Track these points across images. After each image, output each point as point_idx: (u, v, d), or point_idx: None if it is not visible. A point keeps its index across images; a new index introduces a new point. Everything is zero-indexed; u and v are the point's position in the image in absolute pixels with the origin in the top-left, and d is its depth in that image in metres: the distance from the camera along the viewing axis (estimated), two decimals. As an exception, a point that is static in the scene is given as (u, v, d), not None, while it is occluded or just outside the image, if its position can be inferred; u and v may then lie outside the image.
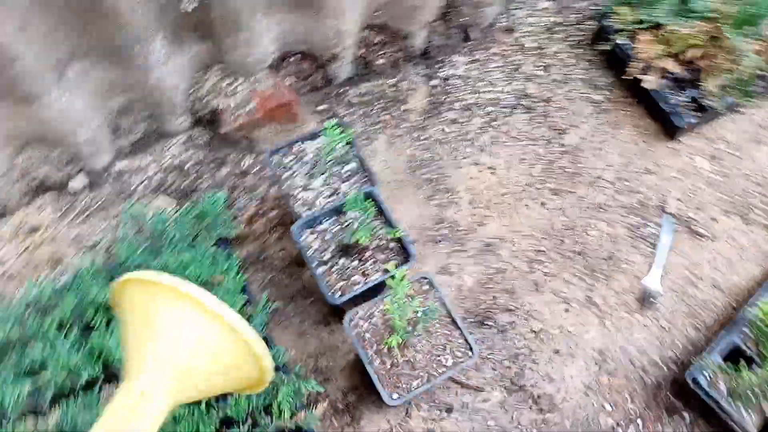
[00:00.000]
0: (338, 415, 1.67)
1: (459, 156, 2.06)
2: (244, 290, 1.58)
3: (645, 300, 1.77)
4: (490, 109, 2.15)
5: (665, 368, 1.71)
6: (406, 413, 1.67)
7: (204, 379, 0.70)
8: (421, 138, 2.09)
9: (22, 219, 1.93)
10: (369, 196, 1.51)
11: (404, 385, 1.38)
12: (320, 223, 1.54)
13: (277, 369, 1.44)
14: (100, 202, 1.99)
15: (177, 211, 1.63)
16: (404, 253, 1.50)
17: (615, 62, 2.17)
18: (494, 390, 1.69)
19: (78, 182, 1.98)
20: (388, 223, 1.50)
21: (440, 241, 1.91)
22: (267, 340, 1.54)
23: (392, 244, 1.52)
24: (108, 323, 1.38)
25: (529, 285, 1.83)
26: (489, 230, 1.92)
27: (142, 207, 1.59)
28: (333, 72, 2.11)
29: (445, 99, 2.16)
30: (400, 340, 1.32)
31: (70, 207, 1.98)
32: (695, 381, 1.51)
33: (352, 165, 1.62)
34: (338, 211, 1.51)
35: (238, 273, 1.58)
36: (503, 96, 2.17)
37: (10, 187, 1.90)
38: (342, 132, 1.52)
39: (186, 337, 0.69)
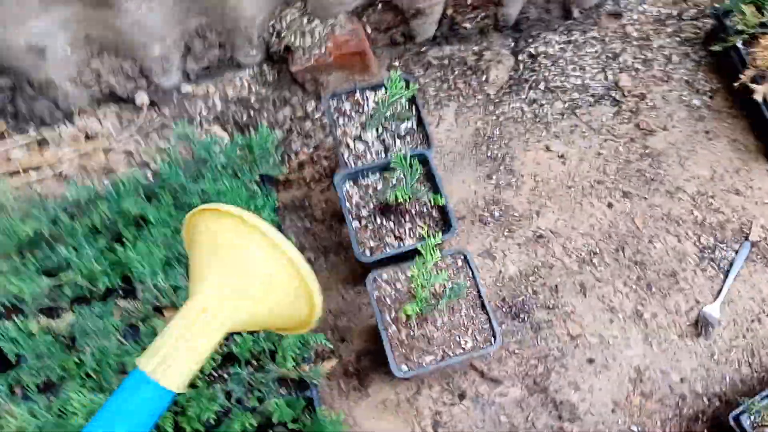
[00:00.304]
0: (347, 377, 1.72)
1: (531, 139, 2.03)
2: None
3: (701, 326, 1.70)
4: (575, 95, 2.10)
5: (707, 402, 1.64)
6: (417, 390, 1.69)
7: (259, 308, 0.77)
8: (494, 113, 2.07)
9: (85, 124, 2.07)
10: (420, 157, 1.52)
11: (416, 359, 1.40)
12: (365, 176, 1.56)
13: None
14: (160, 122, 2.10)
15: (230, 142, 1.70)
16: (445, 224, 1.51)
17: (725, 67, 2.06)
18: (514, 386, 1.69)
19: (143, 98, 2.10)
20: (435, 189, 1.51)
21: (489, 223, 1.90)
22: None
23: (435, 213, 1.53)
24: (136, 239, 1.47)
25: (576, 286, 1.80)
26: (545, 221, 1.89)
27: (193, 130, 1.67)
28: (416, 28, 2.12)
29: (529, 77, 2.13)
30: (419, 311, 1.33)
31: (131, 121, 2.10)
32: (738, 421, 1.45)
33: (411, 124, 1.64)
34: (386, 168, 1.53)
35: (275, 212, 1.63)
36: (592, 84, 2.11)
37: (80, 91, 2.04)
38: (406, 87, 1.53)
39: (248, 265, 0.77)
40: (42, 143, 2.10)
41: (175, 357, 0.74)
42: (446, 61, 2.18)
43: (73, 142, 2.07)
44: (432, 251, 1.20)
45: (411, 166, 1.40)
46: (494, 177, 1.98)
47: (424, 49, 2.18)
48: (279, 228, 1.66)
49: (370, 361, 1.72)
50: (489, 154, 2.02)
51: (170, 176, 1.61)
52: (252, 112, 2.13)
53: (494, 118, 2.08)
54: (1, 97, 2.02)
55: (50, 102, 2.06)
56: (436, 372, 1.65)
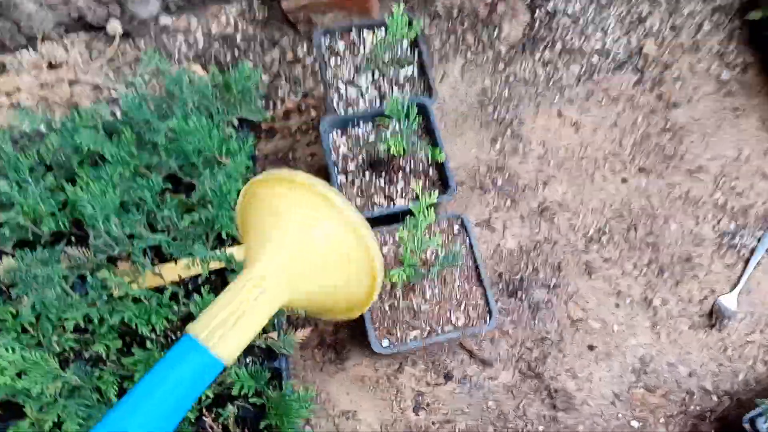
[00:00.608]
0: (323, 349, 1.56)
1: (542, 103, 1.85)
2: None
3: (715, 317, 1.55)
4: (594, 59, 1.92)
5: (716, 400, 1.50)
6: (399, 367, 1.53)
7: (319, 283, 0.73)
8: (504, 72, 1.89)
9: (49, 51, 1.87)
10: (420, 107, 1.34)
11: (399, 334, 1.24)
12: (356, 125, 1.39)
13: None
14: (134, 56, 1.91)
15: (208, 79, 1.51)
16: (443, 185, 1.33)
17: (761, 40, 1.88)
18: (506, 370, 1.53)
19: (116, 27, 1.90)
20: (434, 145, 1.33)
21: (490, 191, 1.73)
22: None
23: (432, 172, 1.36)
24: (89, 183, 1.29)
25: (581, 266, 1.64)
26: (552, 193, 1.72)
27: (166, 64, 1.48)
28: (423, -28, 1.92)
29: (545, 35, 1.94)
30: (406, 279, 1.17)
31: (101, 53, 1.90)
32: (753, 424, 1.31)
33: (412, 71, 1.45)
34: (380, 116, 1.35)
35: (251, 160, 1.46)
36: (614, 48, 1.93)
37: (45, 13, 1.84)
38: (409, 26, 1.35)
39: (315, 239, 0.72)
40: None
41: (230, 325, 0.69)
42: (455, 12, 1.99)
43: (35, 70, 1.87)
44: (426, 212, 1.02)
45: (408, 115, 1.22)
46: (499, 141, 1.81)
47: (431, -4, 1.99)
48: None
49: (349, 332, 1.57)
50: (495, 117, 1.84)
51: (134, 111, 1.42)
52: (237, 52, 1.94)
53: (504, 77, 1.90)
54: (-43, 14, 1.81)
55: (11, 24, 1.86)
56: (421, 349, 1.49)
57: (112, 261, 1.44)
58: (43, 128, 1.49)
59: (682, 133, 1.82)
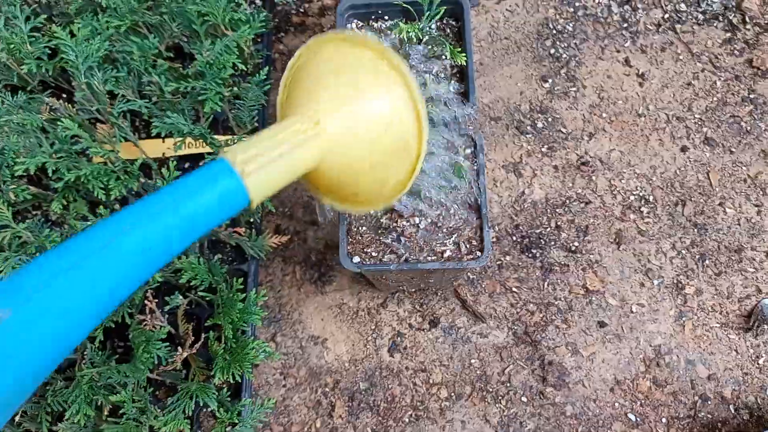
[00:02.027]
0: (307, 266, 1.44)
1: (609, 46, 1.63)
2: (261, 67, 1.32)
3: (754, 320, 1.34)
4: (682, 6, 1.67)
5: (732, 411, 1.31)
6: (383, 302, 1.40)
7: (365, 148, 0.67)
8: (573, 5, 1.67)
9: None
10: (455, 4, 1.16)
11: (375, 254, 1.09)
12: (377, 16, 1.22)
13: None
14: None
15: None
16: (463, 97, 1.16)
17: None
18: (500, 329, 1.38)
19: None
20: (461, 47, 1.15)
21: (528, 133, 1.54)
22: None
23: (453, 83, 1.18)
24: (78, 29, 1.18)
25: (611, 234, 1.45)
26: (596, 147, 1.52)
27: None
28: None
29: (629, -29, 1.70)
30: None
31: None
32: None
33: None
34: (407, 12, 1.18)
35: (261, 42, 1.32)
36: (708, -1, 1.67)
37: None
38: None
39: (373, 102, 0.66)
40: None
41: (270, 159, 0.61)
42: (533, -72, 1.76)
43: None
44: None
45: (431, 3, 1.05)
46: (550, 81, 1.60)
47: None
48: (267, 62, 1.35)
49: (334, 255, 1.43)
50: (552, 52, 1.64)
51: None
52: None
53: (571, 10, 1.68)
54: None
55: None
56: (409, 283, 1.35)
57: (97, 122, 1.34)
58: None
59: (766, 108, 1.58)
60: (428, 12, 1.07)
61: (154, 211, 0.56)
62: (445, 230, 1.09)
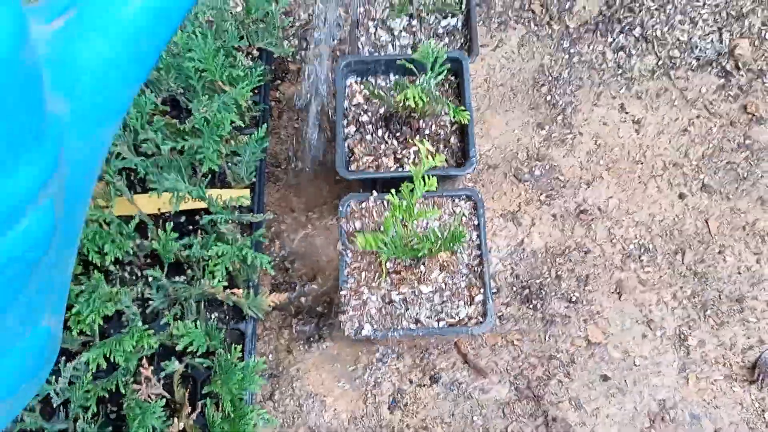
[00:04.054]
0: (303, 319, 1.40)
1: (604, 93, 1.62)
2: (258, 122, 1.29)
3: (758, 373, 1.31)
4: (675, 53, 1.66)
5: (740, 471, 1.27)
6: (382, 357, 1.36)
7: None
8: (569, 51, 1.66)
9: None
10: (454, 62, 1.14)
11: (377, 317, 1.05)
12: (377, 73, 1.19)
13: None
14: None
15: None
16: (463, 156, 1.13)
17: None
18: (502, 383, 1.34)
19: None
20: (462, 104, 1.13)
21: (526, 181, 1.51)
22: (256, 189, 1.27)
23: (453, 139, 1.16)
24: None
25: (611, 284, 1.42)
26: (594, 195, 1.50)
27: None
28: (498, -76, 1.69)
29: (623, 17, 1.69)
30: (386, 253, 0.97)
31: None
32: None
33: (456, 22, 1.25)
34: (407, 67, 1.15)
35: (257, 94, 1.29)
36: (701, 44, 1.67)
37: None
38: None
39: None
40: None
41: None
42: (526, -25, 1.75)
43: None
44: (426, 178, 0.83)
45: (435, 62, 1.02)
46: (547, 127, 1.58)
47: (503, -47, 1.76)
48: (264, 117, 1.32)
49: (333, 308, 1.39)
50: (548, 99, 1.62)
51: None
52: (278, -17, 1.75)
53: (566, 57, 1.67)
54: None
55: None
56: (410, 341, 1.31)
57: (90, 179, 1.29)
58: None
59: (762, 154, 1.56)
60: (431, 72, 1.04)
61: None
62: (447, 294, 1.06)
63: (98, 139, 0.46)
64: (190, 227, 1.30)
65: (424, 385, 1.35)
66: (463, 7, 1.27)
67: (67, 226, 0.45)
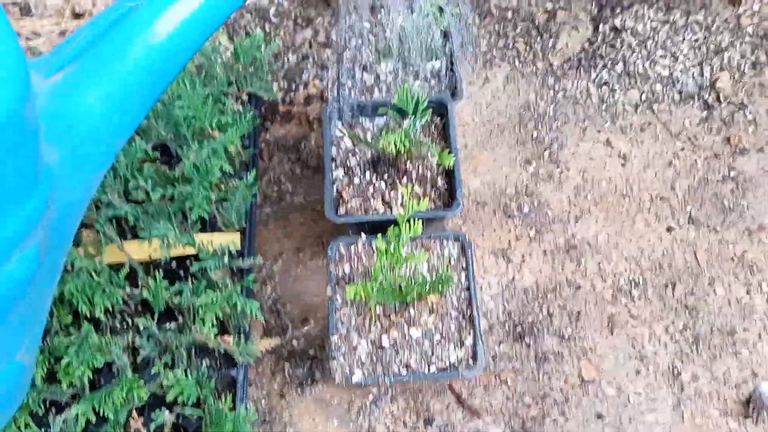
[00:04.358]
0: (294, 363, 1.39)
1: (590, 128, 1.63)
2: (248, 166, 1.30)
3: (752, 407, 1.30)
4: (657, 87, 1.69)
5: None
6: (375, 400, 1.35)
7: None
8: (553, 87, 1.68)
9: (75, 0, 1.76)
10: (438, 104, 1.15)
11: (367, 363, 1.05)
12: (363, 116, 1.21)
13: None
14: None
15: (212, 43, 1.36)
16: (450, 198, 1.14)
17: None
18: (496, 424, 1.33)
19: (146, -18, 1.77)
20: (448, 148, 1.14)
21: (514, 217, 1.52)
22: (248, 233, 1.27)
23: (440, 182, 1.17)
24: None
25: (603, 319, 1.42)
26: (583, 230, 1.51)
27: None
28: (481, -34, 1.73)
29: (606, 53, 1.72)
30: (374, 299, 0.97)
31: (128, 7, 1.78)
32: None
33: (440, 65, 1.27)
34: (388, 109, 1.17)
35: (248, 139, 1.30)
36: (683, 78, 1.69)
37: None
38: (441, 11, 1.16)
39: None
40: (24, 10, 1.80)
41: None
42: (510, 14, 1.79)
43: (57, 17, 1.76)
44: (412, 223, 0.84)
45: (417, 107, 1.04)
46: (534, 163, 1.60)
47: (487, -6, 1.79)
48: (253, 162, 1.33)
49: (326, 351, 1.38)
50: (534, 135, 1.64)
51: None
52: (267, 26, 1.79)
53: (551, 93, 1.69)
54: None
55: (42, -35, 1.76)
56: (402, 384, 1.30)
57: (81, 227, 1.30)
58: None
59: (747, 185, 1.57)
60: (414, 117, 1.06)
61: None
62: (437, 338, 1.05)
63: (86, 184, 0.47)
64: (181, 272, 1.30)
65: (418, 428, 1.34)
66: (447, 51, 1.29)
67: (49, 265, 0.45)
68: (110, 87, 0.46)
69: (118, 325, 1.24)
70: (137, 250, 1.31)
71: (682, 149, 1.62)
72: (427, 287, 0.99)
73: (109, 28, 0.46)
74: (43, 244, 0.43)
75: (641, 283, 1.46)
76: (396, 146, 1.00)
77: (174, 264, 1.33)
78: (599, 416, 1.33)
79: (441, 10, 1.20)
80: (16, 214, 0.40)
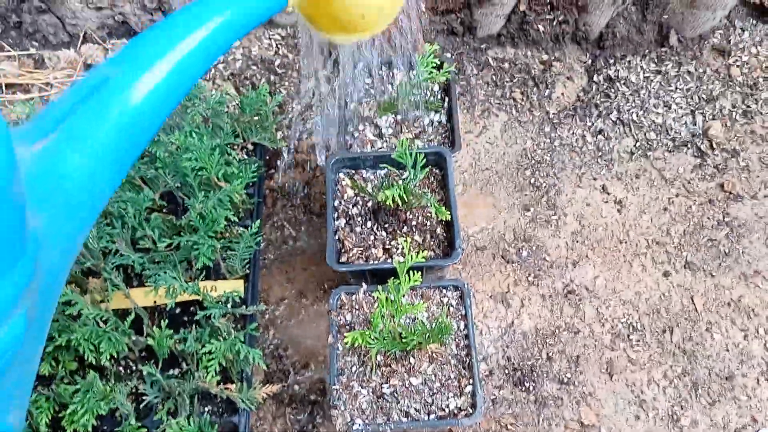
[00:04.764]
0: (296, 409, 1.39)
1: (586, 174, 1.67)
2: (252, 214, 1.34)
3: (752, 455, 1.30)
4: (651, 135, 1.73)
5: None
6: (376, 444, 1.34)
7: None
8: (550, 135, 1.72)
9: (87, 52, 1.83)
10: (437, 156, 1.19)
11: (368, 411, 1.06)
12: (365, 167, 1.24)
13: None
14: (169, 66, 1.84)
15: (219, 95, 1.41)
16: (449, 246, 1.17)
17: None
18: (497, 470, 1.32)
19: (157, 36, 1.84)
20: (446, 201, 1.17)
21: (513, 262, 1.54)
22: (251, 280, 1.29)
23: (439, 230, 1.19)
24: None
25: (602, 364, 1.42)
26: (581, 275, 1.53)
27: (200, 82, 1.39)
28: (480, 19, 1.80)
29: (600, 102, 1.77)
30: (374, 349, 0.99)
31: (139, 59, 1.84)
32: None
33: (439, 117, 1.31)
34: (395, 163, 1.20)
35: (253, 187, 1.33)
36: (676, 126, 1.74)
37: (90, 13, 1.80)
38: (439, 69, 1.21)
39: None
40: (38, 63, 1.87)
41: None
42: (507, 65, 1.84)
43: (69, 69, 1.83)
44: (411, 273, 0.86)
45: (416, 161, 1.07)
46: (532, 209, 1.63)
47: (484, 46, 1.86)
48: (257, 210, 1.36)
49: (326, 396, 1.39)
50: (532, 182, 1.67)
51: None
52: (273, 77, 1.85)
53: (548, 141, 1.73)
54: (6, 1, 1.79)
55: (57, 19, 1.83)
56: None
57: (88, 275, 1.33)
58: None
59: (741, 230, 1.60)
60: (413, 170, 1.09)
61: (190, 25, 0.56)
62: (437, 386, 1.07)
63: (70, 245, 0.49)
64: (185, 318, 1.32)
65: (419, 474, 1.33)
66: (445, 105, 1.33)
67: (37, 325, 0.47)
68: (92, 149, 0.49)
69: (122, 371, 1.26)
70: (143, 298, 1.34)
71: (677, 195, 1.65)
72: (427, 336, 1.01)
73: (88, 95, 0.49)
74: (30, 310, 0.44)
75: (639, 327, 1.48)
76: (394, 200, 1.03)
77: (179, 311, 1.36)
78: (599, 463, 1.33)
79: (440, 66, 1.25)
80: (3, 284, 0.41)
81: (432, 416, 1.05)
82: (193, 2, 0.58)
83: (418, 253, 0.94)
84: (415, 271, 0.94)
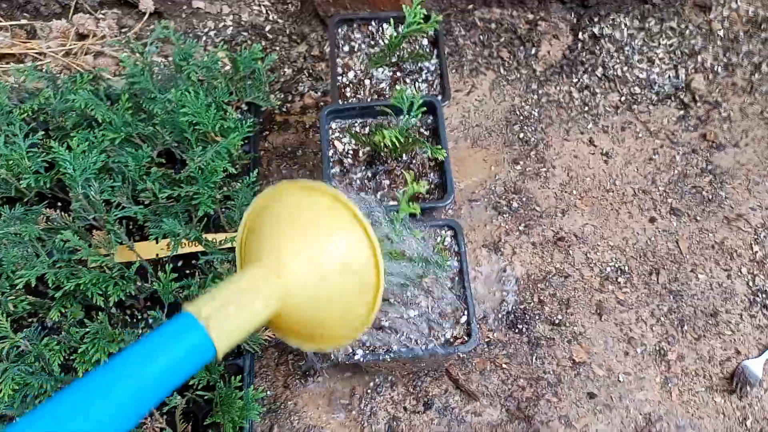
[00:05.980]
0: (299, 355, 1.44)
1: (573, 128, 1.72)
2: (249, 169, 1.38)
3: (736, 382, 1.36)
4: (636, 90, 1.78)
5: (726, 477, 1.31)
6: (376, 387, 1.40)
7: (325, 294, 0.68)
8: (537, 92, 1.77)
9: (79, 22, 1.85)
10: (429, 105, 1.23)
11: (367, 343, 1.11)
12: (358, 118, 1.29)
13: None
14: (163, 33, 1.86)
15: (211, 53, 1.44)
16: (442, 190, 1.22)
17: (825, 83, 1.70)
18: (493, 406, 1.38)
19: (148, 4, 1.87)
20: (438, 143, 1.22)
21: (504, 213, 1.59)
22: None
23: (432, 175, 1.24)
24: (76, 143, 1.23)
25: (592, 305, 1.48)
26: (570, 223, 1.58)
27: (191, 44, 1.42)
28: (465, -19, 1.83)
29: (586, 59, 1.82)
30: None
31: (130, 29, 1.87)
32: None
33: (430, 65, 1.35)
34: (388, 111, 1.25)
35: (250, 143, 1.37)
36: (659, 81, 1.79)
37: (80, -17, 1.82)
38: (426, 19, 1.25)
39: (333, 247, 0.68)
40: (30, 34, 1.89)
41: (234, 310, 0.61)
42: (493, 25, 1.88)
43: (62, 38, 1.85)
44: (411, 204, 0.91)
45: (412, 105, 1.12)
46: (521, 163, 1.68)
47: (471, 6, 1.90)
48: (254, 163, 1.40)
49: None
50: (521, 137, 1.72)
51: (137, 79, 1.36)
52: (263, 43, 1.88)
53: (535, 97, 1.78)
54: (-5, -25, 1.82)
55: (47, -10, 1.85)
56: (402, 368, 1.36)
57: (93, 229, 1.36)
58: (50, 90, 1.45)
59: (724, 177, 1.66)
60: (407, 115, 1.13)
61: (122, 373, 0.56)
62: (434, 317, 1.12)
63: None
64: (188, 271, 1.36)
65: (418, 412, 1.39)
66: (434, 57, 1.38)
67: None
68: None
69: (129, 319, 1.30)
70: (146, 250, 1.38)
71: (662, 146, 1.71)
72: (426, 269, 1.07)
73: None
74: None
75: (627, 270, 1.53)
76: (390, 140, 1.07)
77: (181, 263, 1.40)
78: (591, 396, 1.39)
79: (427, 17, 1.29)
80: None
81: (430, 345, 1.10)
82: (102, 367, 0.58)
83: (418, 182, 0.98)
84: (412, 203, 0.99)
